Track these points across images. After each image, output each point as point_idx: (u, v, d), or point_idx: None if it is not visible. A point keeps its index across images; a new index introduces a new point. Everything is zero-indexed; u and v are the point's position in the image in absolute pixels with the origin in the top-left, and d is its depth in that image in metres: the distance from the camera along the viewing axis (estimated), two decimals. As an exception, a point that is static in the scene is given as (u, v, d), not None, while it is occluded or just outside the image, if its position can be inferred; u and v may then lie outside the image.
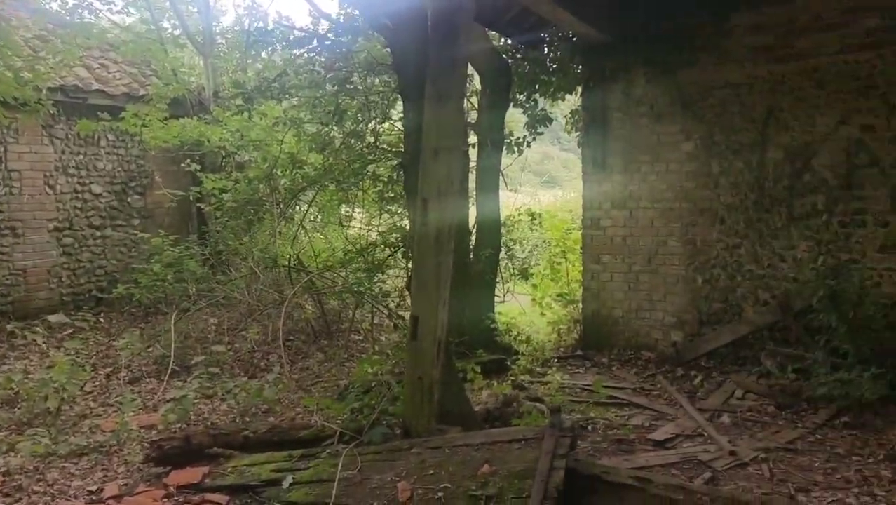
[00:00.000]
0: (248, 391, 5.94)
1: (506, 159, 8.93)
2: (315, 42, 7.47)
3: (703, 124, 7.27)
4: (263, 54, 9.47)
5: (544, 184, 28.73)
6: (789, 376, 6.30)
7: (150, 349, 7.57)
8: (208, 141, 9.59)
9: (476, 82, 8.50)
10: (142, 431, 5.54)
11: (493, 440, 4.04)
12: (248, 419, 5.74)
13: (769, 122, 6.87)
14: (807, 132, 6.65)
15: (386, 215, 9.24)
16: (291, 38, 7.95)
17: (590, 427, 5.60)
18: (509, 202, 9.72)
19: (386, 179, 8.25)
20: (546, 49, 8.19)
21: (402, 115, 6.41)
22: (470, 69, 8.34)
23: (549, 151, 34.56)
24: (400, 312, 7.99)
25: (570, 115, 8.79)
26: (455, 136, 4.31)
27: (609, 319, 8.02)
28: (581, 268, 8.37)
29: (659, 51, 7.35)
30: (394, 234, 7.88)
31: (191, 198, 10.35)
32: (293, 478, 4.07)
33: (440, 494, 3.62)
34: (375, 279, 7.76)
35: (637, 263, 7.82)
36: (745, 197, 7.08)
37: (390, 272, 8.64)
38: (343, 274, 7.69)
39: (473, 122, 8.38)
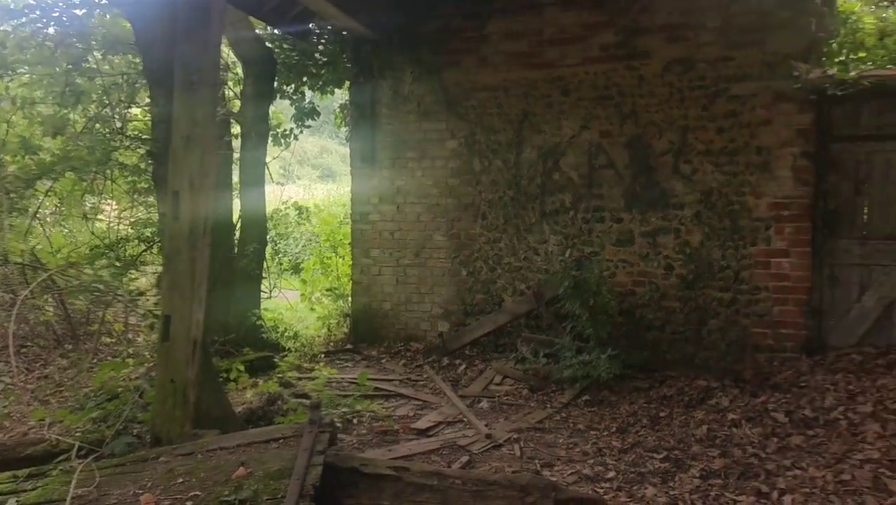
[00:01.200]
0: (-31, 407, 5.19)
1: (273, 152, 8.70)
2: (39, 12, 6.57)
3: (466, 124, 7.61)
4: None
5: (322, 178, 28.50)
6: (541, 361, 6.80)
7: None
8: None
9: (241, 70, 8.16)
10: None
11: (250, 441, 3.89)
12: (-33, 439, 5.01)
13: (524, 124, 7.36)
14: (555, 135, 7.22)
15: (142, 208, 8.57)
16: (11, 5, 6.97)
17: (355, 420, 5.62)
18: (277, 196, 9.46)
19: (134, 169, 7.61)
20: (315, 41, 8.07)
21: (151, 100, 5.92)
22: (234, 57, 8.01)
23: (328, 145, 34.30)
24: (157, 312, 7.45)
25: (339, 110, 8.76)
26: (208, 124, 4.07)
27: (379, 312, 8.13)
28: (351, 262, 8.39)
29: (424, 51, 7.58)
30: (149, 229, 7.31)
31: None
32: (17, 501, 3.61)
33: (189, 503, 3.40)
34: (127, 276, 7.15)
35: (405, 257, 8.00)
36: (504, 194, 7.52)
37: (147, 269, 8.03)
38: (89, 271, 6.99)
39: (237, 111, 8.03)
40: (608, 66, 6.91)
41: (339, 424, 5.36)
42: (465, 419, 5.72)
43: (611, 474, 4.54)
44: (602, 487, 4.38)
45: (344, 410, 5.68)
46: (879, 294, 6.19)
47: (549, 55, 7.17)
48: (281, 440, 3.87)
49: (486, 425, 5.51)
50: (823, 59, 6.53)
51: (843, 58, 6.63)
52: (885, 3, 7.12)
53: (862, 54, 6.72)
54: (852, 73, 5.97)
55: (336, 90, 8.64)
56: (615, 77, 6.91)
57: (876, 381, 5.39)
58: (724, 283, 6.62)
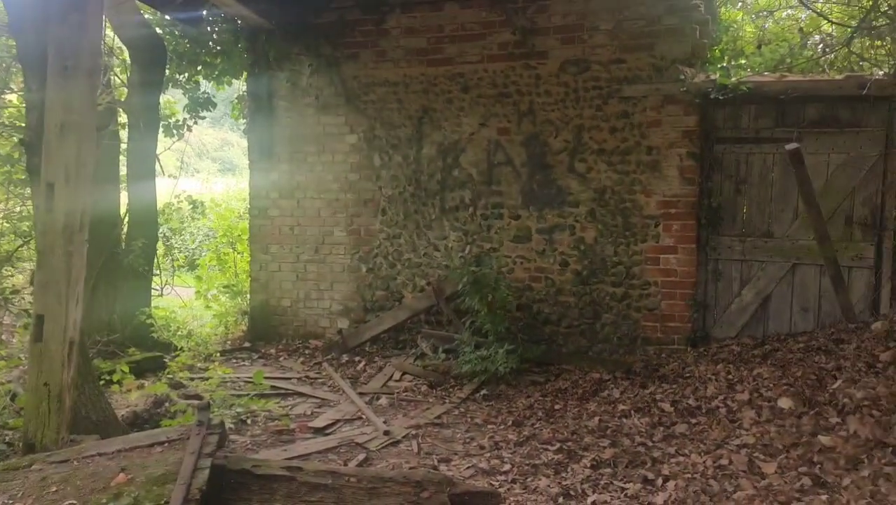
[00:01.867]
0: None
1: (166, 143, 8.35)
2: None
3: (366, 118, 7.54)
4: None
5: (223, 171, 27.62)
6: (441, 357, 6.84)
7: None
8: None
9: (128, 57, 7.77)
10: None
11: (133, 446, 3.71)
12: None
13: (424, 120, 7.36)
14: (455, 131, 7.26)
15: (17, 200, 8.02)
16: None
17: (249, 421, 5.47)
18: (170, 189, 9.09)
19: (7, 158, 7.12)
20: (209, 29, 7.79)
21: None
22: (119, 42, 7.62)
23: (230, 138, 33.28)
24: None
25: (236, 101, 8.50)
26: (86, 112, 3.84)
27: (278, 309, 7.96)
28: (249, 258, 8.17)
29: (323, 43, 7.46)
30: (25, 223, 6.86)
31: None
32: None
33: (64, 513, 3.21)
34: (1, 273, 6.69)
35: (305, 253, 7.86)
36: (404, 190, 7.50)
37: (25, 265, 7.53)
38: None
39: (124, 100, 7.65)
40: (507, 65, 7.01)
41: (231, 425, 5.21)
42: (363, 416, 5.67)
43: (506, 467, 4.61)
44: (498, 480, 4.43)
45: (238, 410, 5.52)
46: (757, 288, 6.56)
47: (449, 51, 7.20)
48: (166, 444, 3.71)
49: (384, 422, 5.48)
50: (707, 64, 6.85)
51: (725, 64, 6.98)
52: (764, 14, 7.56)
53: (742, 61, 7.11)
54: (733, 79, 6.30)
55: (234, 81, 8.38)
56: (513, 75, 7.01)
57: (753, 370, 5.70)
58: (616, 278, 6.85)
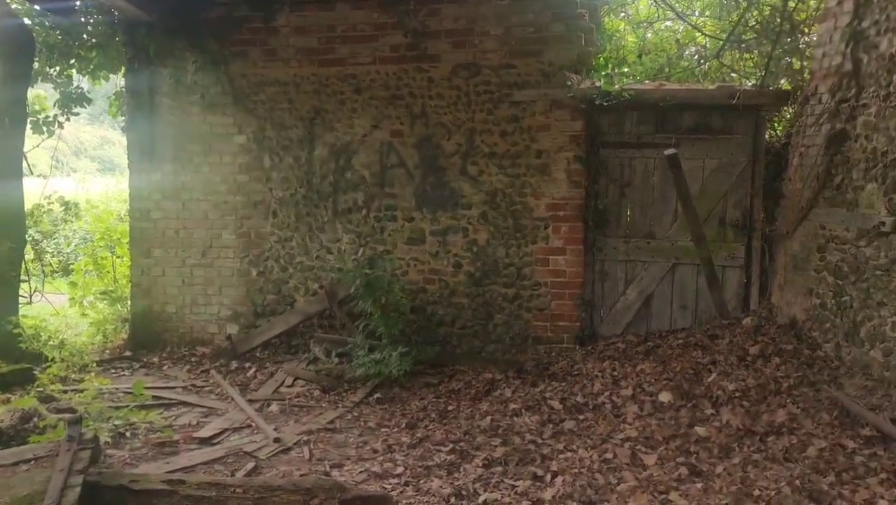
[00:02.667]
0: None
1: (35, 140, 7.82)
2: None
3: (256, 118, 7.34)
4: None
5: (103, 171, 26.23)
6: (334, 361, 6.75)
7: None
8: None
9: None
10: None
11: (-6, 466, 3.45)
12: None
13: (316, 121, 7.24)
14: (348, 133, 7.18)
15: None
16: None
17: (129, 434, 5.20)
18: (40, 189, 8.52)
19: None
20: (84, 20, 7.35)
21: None
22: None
23: (110, 136, 31.62)
24: None
25: (114, 97, 8.06)
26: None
27: (162, 315, 7.61)
28: (130, 263, 7.76)
29: (208, 39, 7.21)
30: None
31: None
32: None
33: (-88, 543, 2.93)
34: None
35: (191, 257, 7.56)
36: (296, 192, 7.35)
37: None
38: None
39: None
40: (399, 67, 7.00)
41: (108, 439, 4.93)
42: (253, 424, 5.51)
43: (399, 470, 4.59)
44: (390, 484, 4.41)
45: (116, 422, 5.23)
46: (640, 288, 6.85)
47: (341, 52, 7.11)
48: (33, 461, 3.47)
49: (274, 429, 5.35)
50: (593, 71, 7.10)
51: (609, 71, 7.26)
52: (644, 25, 7.91)
53: (625, 69, 7.41)
54: (616, 86, 6.55)
55: (112, 76, 7.95)
56: (406, 78, 7.01)
57: (636, 366, 5.95)
58: (508, 279, 6.97)
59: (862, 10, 5.44)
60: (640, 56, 7.42)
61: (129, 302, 7.80)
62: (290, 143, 7.31)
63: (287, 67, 7.21)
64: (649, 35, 8.01)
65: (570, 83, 6.66)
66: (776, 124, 7.06)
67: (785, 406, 4.97)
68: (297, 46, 7.18)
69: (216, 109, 7.38)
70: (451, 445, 4.93)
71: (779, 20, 6.68)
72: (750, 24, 7.09)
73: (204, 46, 7.22)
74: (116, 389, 6.23)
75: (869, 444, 4.43)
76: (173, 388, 6.39)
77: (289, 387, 6.47)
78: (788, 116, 6.88)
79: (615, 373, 5.90)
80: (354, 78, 7.11)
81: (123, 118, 7.75)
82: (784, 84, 6.87)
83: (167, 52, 7.32)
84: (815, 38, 6.44)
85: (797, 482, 4.01)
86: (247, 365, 7.01)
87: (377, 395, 6.15)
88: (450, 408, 5.75)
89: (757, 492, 3.96)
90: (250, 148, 7.38)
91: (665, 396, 5.34)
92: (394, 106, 7.06)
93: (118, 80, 7.95)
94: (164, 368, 7.07)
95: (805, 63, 6.75)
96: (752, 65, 7.22)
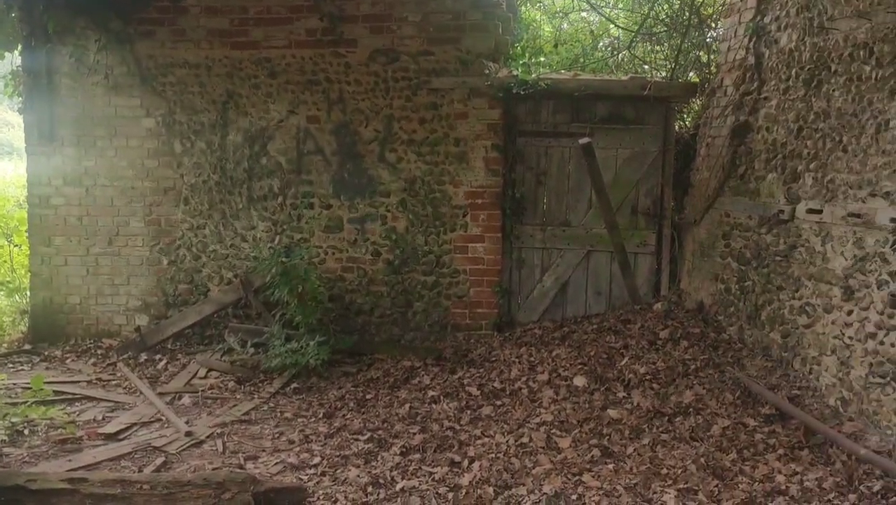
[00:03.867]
0: None
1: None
2: None
3: (165, 101, 7.06)
4: None
5: (0, 154, 24.81)
6: (249, 351, 6.60)
7: None
8: None
9: None
10: None
11: None
12: None
13: (228, 105, 7.02)
14: (263, 118, 7.00)
15: None
16: None
17: (27, 431, 4.93)
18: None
19: None
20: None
21: None
22: None
23: (8, 118, 29.83)
24: None
25: (10, 77, 7.58)
26: None
27: (64, 307, 7.26)
28: (29, 252, 7.35)
29: (112, 17, 6.87)
30: None
31: None
32: None
33: None
34: None
35: (96, 245, 7.23)
36: (209, 178, 7.12)
37: None
38: None
39: None
40: (315, 52, 6.85)
41: (4, 438, 4.68)
42: (163, 418, 5.34)
43: (316, 460, 4.54)
44: (307, 474, 4.36)
45: (14, 420, 4.97)
46: (556, 275, 6.97)
47: (254, 35, 6.90)
48: (-85, 464, 3.25)
49: (186, 422, 5.20)
50: (510, 60, 7.14)
51: (526, 60, 7.32)
52: (560, 15, 8.03)
53: (541, 58, 7.50)
54: (533, 76, 6.62)
55: (7, 54, 7.46)
56: (322, 63, 6.87)
57: (552, 351, 6.06)
58: (427, 267, 6.96)
59: (763, 6, 5.68)
60: (556, 46, 7.52)
61: (28, 293, 7.39)
62: (202, 127, 7.07)
63: (198, 49, 6.95)
64: (565, 25, 8.13)
65: (487, 72, 6.68)
66: (685, 115, 7.31)
67: (692, 387, 5.17)
68: (209, 27, 6.92)
69: (122, 91, 7.06)
70: (368, 434, 4.90)
71: (687, 14, 6.90)
72: (660, 18, 7.30)
73: (108, 25, 6.88)
74: (14, 384, 5.90)
75: (768, 421, 4.66)
76: (77, 382, 6.11)
77: (202, 379, 6.30)
78: (697, 108, 7.13)
79: (532, 358, 6.00)
80: (269, 62, 6.92)
81: (20, 99, 7.31)
82: (692, 77, 7.11)
83: (67, 30, 6.94)
84: (721, 33, 6.69)
85: (702, 460, 4.19)
86: (157, 357, 6.77)
87: (294, 385, 6.06)
88: (368, 397, 5.72)
89: (665, 470, 4.11)
90: (159, 132, 7.10)
91: (579, 381, 5.47)
92: (310, 91, 6.92)
93: (14, 59, 7.48)
94: (68, 361, 6.74)
95: (712, 56, 7.00)
96: (662, 57, 7.44)
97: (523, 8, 7.51)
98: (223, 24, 6.91)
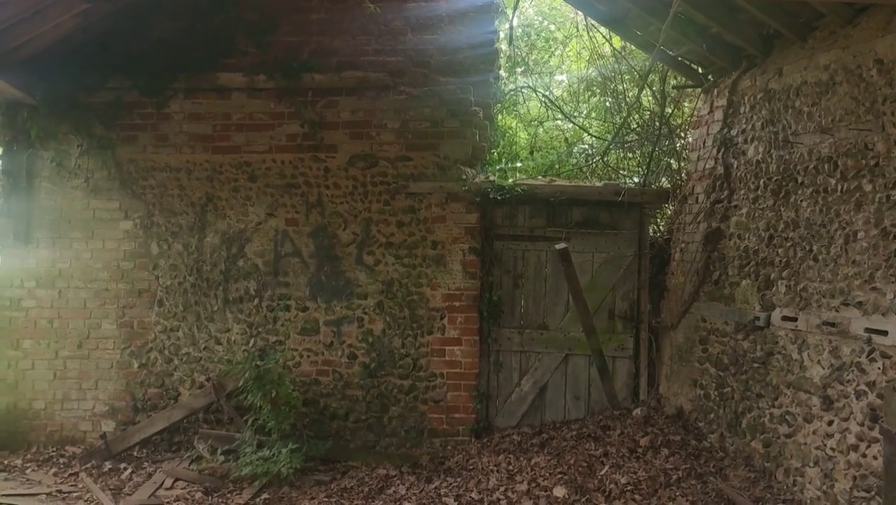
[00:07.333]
0: None
1: None
2: None
3: (144, 204, 7.09)
4: None
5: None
6: (219, 459, 6.37)
7: None
8: None
9: None
10: None
11: None
12: None
13: (207, 208, 7.06)
14: (241, 220, 7.03)
15: None
16: None
17: (-24, 553, 4.66)
18: None
19: None
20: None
21: None
22: None
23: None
24: None
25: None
26: None
27: (28, 412, 7.01)
28: (-5, 355, 7.16)
29: (95, 123, 6.99)
30: None
31: None
32: None
33: None
34: None
35: (66, 348, 7.07)
36: (185, 280, 7.06)
37: None
38: None
39: None
40: (295, 156, 6.97)
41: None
42: (123, 536, 5.07)
43: (283, 582, 4.30)
44: None
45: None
46: (534, 379, 6.90)
47: (236, 140, 7.02)
48: None
49: (148, 540, 4.93)
50: (487, 165, 7.30)
51: (502, 166, 7.49)
52: (535, 123, 8.28)
53: (518, 164, 7.68)
54: (509, 181, 6.76)
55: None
56: (302, 167, 6.98)
57: (531, 459, 5.91)
58: (404, 370, 6.87)
59: (730, 119, 5.90)
60: (531, 152, 7.72)
61: (-9, 398, 7.15)
62: (180, 229, 7.07)
63: (179, 154, 7.04)
64: (541, 132, 8.37)
65: (465, 177, 6.81)
66: (659, 220, 7.45)
67: (674, 499, 5.03)
68: (191, 133, 7.04)
69: (101, 194, 7.09)
70: (340, 552, 4.68)
71: (658, 124, 7.14)
72: (632, 127, 7.54)
73: (90, 130, 6.99)
74: (-32, 498, 5.61)
75: (753, 536, 4.52)
76: (35, 494, 5.82)
77: (168, 490, 6.03)
78: (670, 213, 7.28)
79: (510, 467, 5.84)
80: (249, 165, 7.02)
81: (-2, 200, 7.30)
82: (664, 183, 7.29)
83: (50, 136, 7.02)
84: (690, 142, 6.92)
85: (687, 580, 4.02)
86: (122, 466, 6.50)
87: (264, 495, 5.82)
88: (341, 509, 5.50)
89: (649, 593, 3.93)
90: (136, 234, 7.09)
91: (559, 491, 5.31)
92: (289, 194, 7.00)
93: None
94: (28, 471, 6.44)
95: (682, 164, 7.21)
96: (635, 164, 7.65)
97: (500, 116, 7.74)
98: (206, 130, 7.03)
